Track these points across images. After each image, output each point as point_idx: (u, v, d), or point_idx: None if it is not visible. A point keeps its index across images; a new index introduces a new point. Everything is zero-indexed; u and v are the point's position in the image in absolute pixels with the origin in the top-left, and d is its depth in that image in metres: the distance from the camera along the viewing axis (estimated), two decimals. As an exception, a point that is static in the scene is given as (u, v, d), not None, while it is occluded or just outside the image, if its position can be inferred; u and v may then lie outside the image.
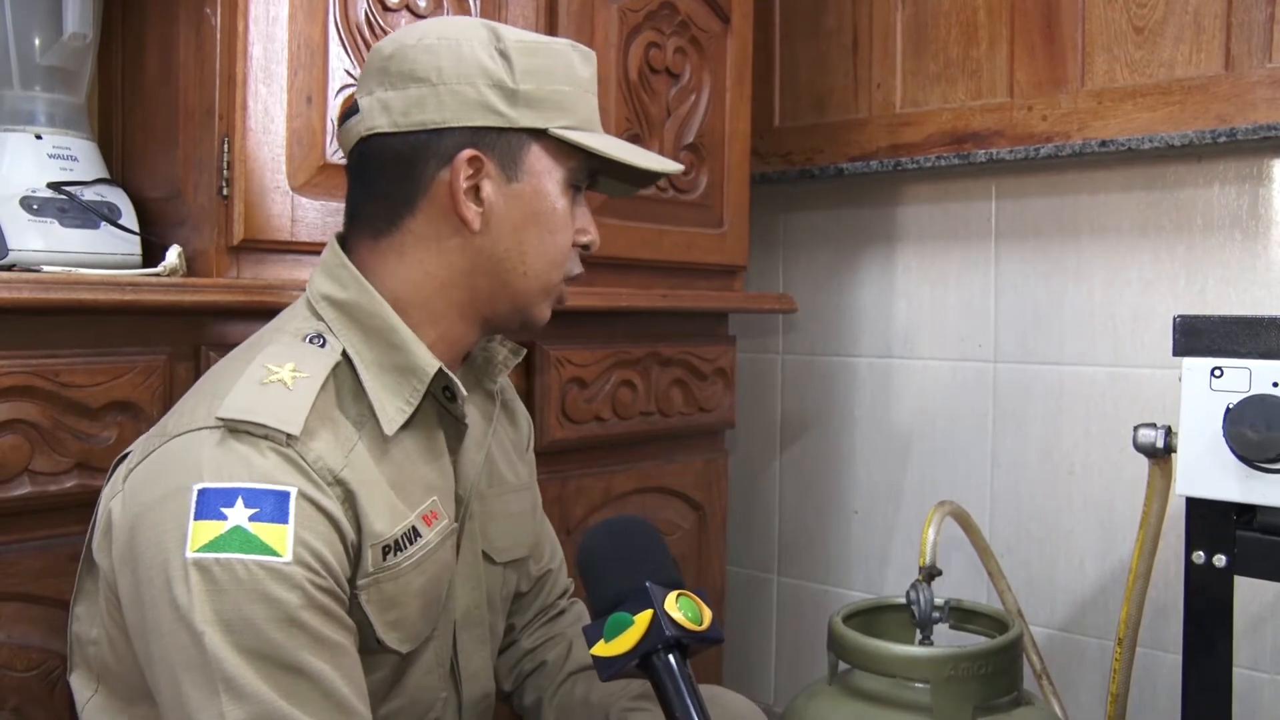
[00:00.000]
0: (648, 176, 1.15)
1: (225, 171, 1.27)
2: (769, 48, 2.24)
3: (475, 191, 1.03)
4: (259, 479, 0.89)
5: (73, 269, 1.22)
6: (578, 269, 1.12)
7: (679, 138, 1.80)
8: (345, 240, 1.08)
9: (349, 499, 0.94)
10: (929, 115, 2.03)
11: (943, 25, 2.02)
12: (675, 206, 1.81)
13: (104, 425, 1.18)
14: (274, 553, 0.86)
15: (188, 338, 1.26)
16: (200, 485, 0.87)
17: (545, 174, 1.05)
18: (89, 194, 1.30)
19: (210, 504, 0.87)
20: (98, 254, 1.28)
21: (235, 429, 0.90)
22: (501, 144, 1.03)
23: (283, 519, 0.88)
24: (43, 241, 1.24)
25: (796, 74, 2.23)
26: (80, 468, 1.16)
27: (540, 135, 1.04)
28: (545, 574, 1.34)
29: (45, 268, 1.21)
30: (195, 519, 0.86)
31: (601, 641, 0.98)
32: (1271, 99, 1.65)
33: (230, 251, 1.29)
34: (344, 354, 1.01)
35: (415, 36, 1.03)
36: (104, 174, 1.35)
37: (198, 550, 0.85)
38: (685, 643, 0.97)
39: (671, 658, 0.96)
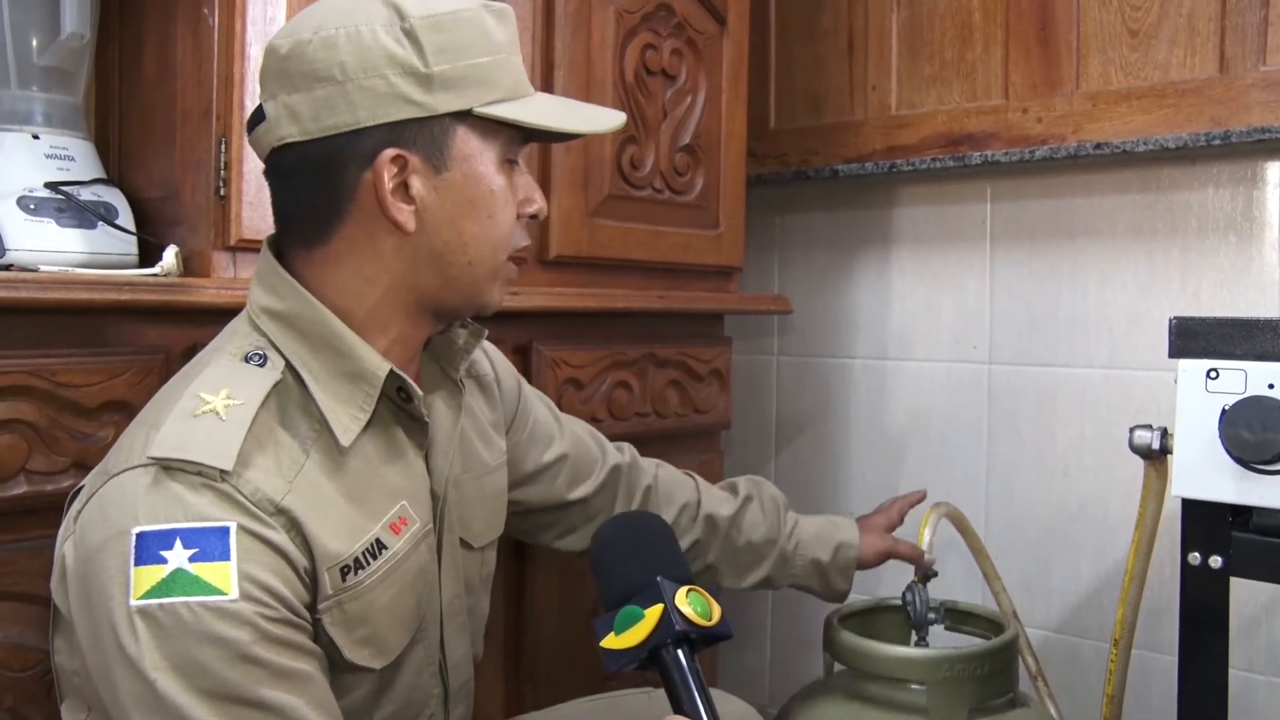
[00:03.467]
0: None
1: (222, 172, 1.27)
2: (765, 49, 2.24)
3: (404, 189, 0.97)
4: (195, 518, 0.86)
5: (69, 269, 1.22)
6: (524, 241, 1.07)
7: (675, 139, 1.81)
8: (279, 246, 1.04)
9: (294, 526, 0.91)
10: (924, 117, 2.03)
11: (938, 28, 2.03)
12: (671, 208, 1.81)
13: (100, 425, 1.18)
14: (219, 591, 0.84)
15: (184, 338, 1.26)
16: (138, 529, 0.85)
17: (475, 156, 0.99)
18: (86, 194, 1.30)
19: (149, 548, 0.85)
20: (94, 254, 1.28)
21: (168, 467, 0.88)
22: (424, 135, 0.96)
23: (224, 556, 0.85)
24: (40, 241, 1.24)
25: (792, 76, 2.23)
26: (77, 467, 1.16)
27: (465, 117, 0.97)
28: (612, 472, 1.41)
29: (42, 267, 1.21)
30: (135, 565, 0.84)
31: (612, 634, 0.99)
32: (1265, 102, 1.66)
33: (227, 251, 1.29)
34: (288, 369, 0.97)
35: (311, 29, 0.95)
36: (101, 174, 1.35)
37: (141, 598, 0.83)
38: (694, 638, 0.98)
39: (680, 652, 0.97)
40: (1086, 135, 1.83)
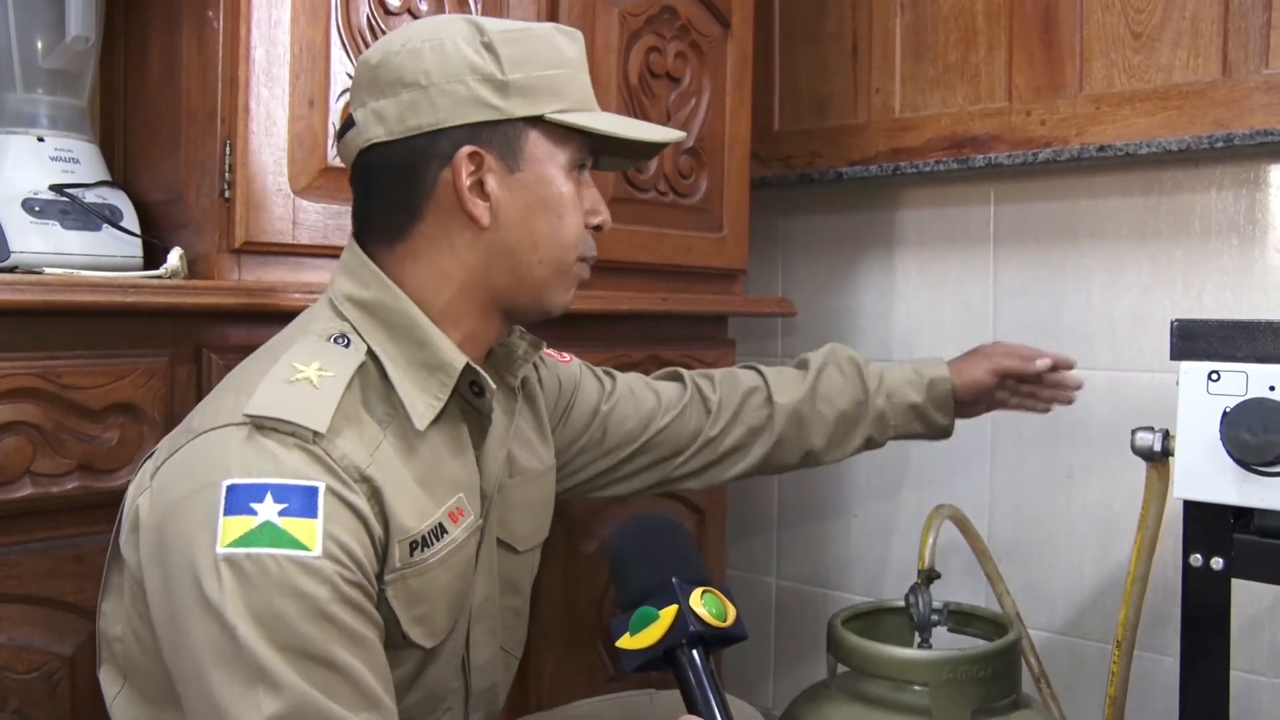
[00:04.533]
0: (650, 148, 1.17)
1: (227, 174, 1.28)
2: (769, 52, 2.24)
3: (480, 187, 1.03)
4: (287, 475, 0.89)
5: (74, 271, 1.23)
6: (592, 251, 1.13)
7: (679, 142, 1.80)
8: (360, 245, 1.08)
9: (375, 496, 0.95)
10: (928, 120, 2.04)
11: (942, 30, 2.03)
12: (675, 210, 1.81)
13: (105, 427, 1.19)
14: (304, 547, 0.87)
15: (189, 340, 1.26)
16: (229, 481, 0.88)
17: (547, 160, 1.05)
18: (91, 196, 1.31)
19: (239, 499, 0.87)
20: (99, 256, 1.28)
21: (262, 425, 0.91)
22: (499, 136, 1.03)
23: (312, 514, 0.89)
24: (45, 243, 1.24)
25: (796, 78, 2.24)
26: (82, 469, 1.16)
27: (537, 122, 1.04)
28: (683, 408, 1.42)
29: (47, 270, 1.21)
30: (225, 515, 0.87)
31: (627, 635, 1.00)
32: (1268, 104, 1.66)
33: (232, 254, 1.29)
34: (369, 354, 1.01)
35: (399, 42, 1.03)
36: (106, 176, 1.36)
37: (228, 545, 0.86)
38: (709, 639, 0.99)
39: (695, 653, 0.98)
40: (1090, 138, 1.83)
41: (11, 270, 1.20)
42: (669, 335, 1.83)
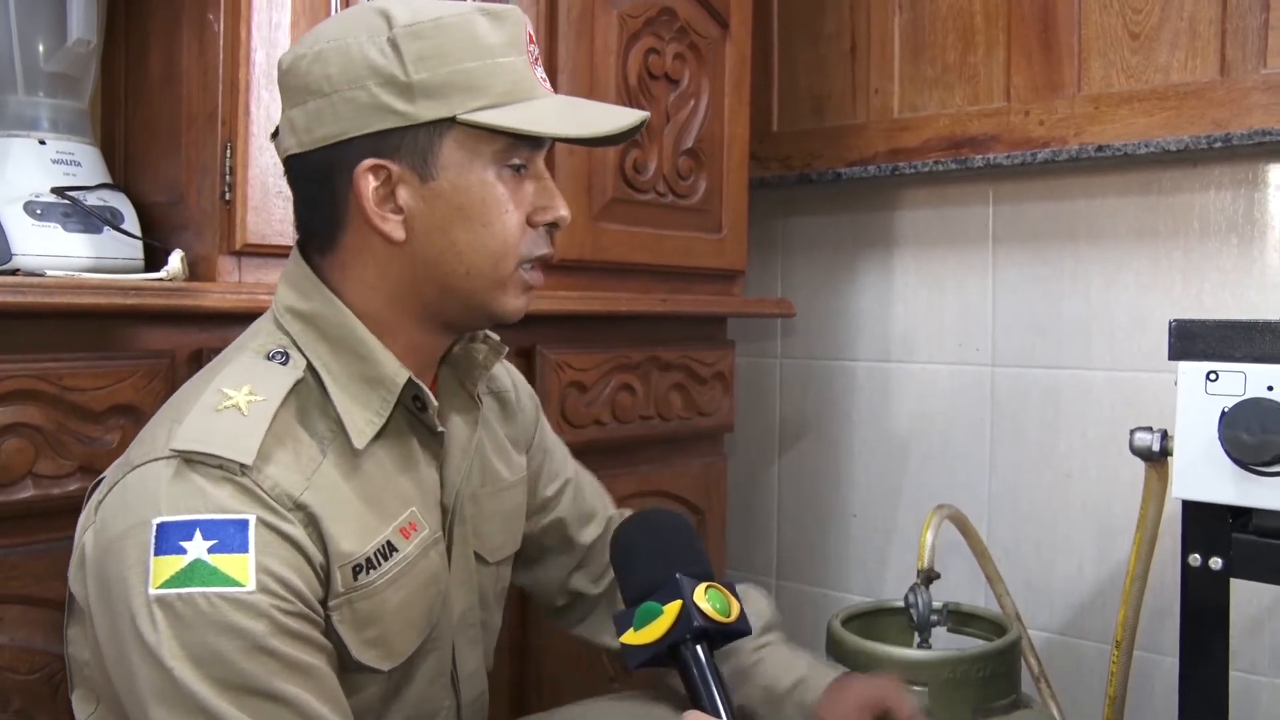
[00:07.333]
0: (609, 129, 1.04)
1: (228, 176, 1.28)
2: (767, 53, 2.25)
3: (392, 199, 0.97)
4: (215, 510, 0.87)
5: (76, 273, 1.23)
6: (541, 250, 1.04)
7: (678, 143, 1.81)
8: (302, 253, 1.04)
9: (312, 522, 0.92)
10: (926, 120, 2.04)
11: (940, 31, 2.03)
12: (674, 211, 1.81)
13: (107, 429, 1.19)
14: (236, 583, 0.85)
15: (190, 342, 1.27)
16: (159, 519, 0.86)
17: (464, 165, 0.97)
18: (92, 199, 1.31)
19: (169, 538, 0.86)
20: (101, 258, 1.28)
21: (190, 459, 0.89)
22: (408, 144, 0.95)
23: (243, 548, 0.87)
24: (46, 246, 1.24)
25: (795, 79, 2.24)
26: (83, 471, 1.16)
27: (451, 124, 0.95)
28: (609, 523, 1.33)
29: (49, 272, 1.21)
30: (155, 554, 0.85)
31: (631, 630, 1.00)
32: (1266, 104, 1.66)
33: (232, 256, 1.30)
34: (309, 368, 0.98)
35: (309, 44, 0.98)
36: (107, 179, 1.36)
37: (160, 587, 0.84)
38: (713, 634, 0.99)
39: (699, 648, 0.98)
40: (1088, 138, 1.83)
41: (13, 273, 1.20)
42: (668, 336, 1.84)
